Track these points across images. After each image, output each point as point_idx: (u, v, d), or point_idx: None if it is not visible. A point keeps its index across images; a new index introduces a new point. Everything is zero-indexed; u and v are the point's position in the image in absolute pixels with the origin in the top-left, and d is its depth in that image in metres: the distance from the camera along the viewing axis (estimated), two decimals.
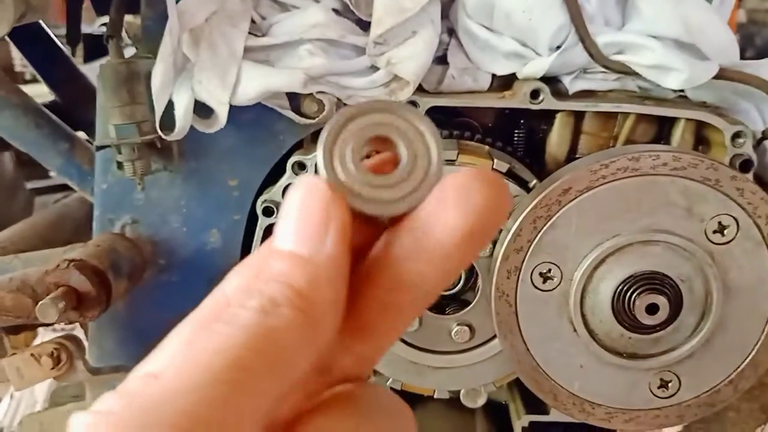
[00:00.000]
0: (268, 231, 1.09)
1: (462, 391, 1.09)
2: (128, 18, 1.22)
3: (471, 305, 1.03)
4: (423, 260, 0.32)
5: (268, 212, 1.06)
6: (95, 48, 1.69)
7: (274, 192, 1.06)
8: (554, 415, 1.09)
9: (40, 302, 0.91)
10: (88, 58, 1.73)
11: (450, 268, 0.32)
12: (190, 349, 0.28)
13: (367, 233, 0.36)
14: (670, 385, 0.94)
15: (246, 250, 1.10)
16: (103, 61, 1.03)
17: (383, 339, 0.34)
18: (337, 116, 0.34)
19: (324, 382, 0.34)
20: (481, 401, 1.09)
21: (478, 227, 0.32)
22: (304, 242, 0.31)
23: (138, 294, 1.11)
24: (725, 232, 0.89)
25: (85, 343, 1.13)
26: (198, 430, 0.26)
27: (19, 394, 1.82)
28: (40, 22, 1.41)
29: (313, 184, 0.32)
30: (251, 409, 0.27)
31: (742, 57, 1.03)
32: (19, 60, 2.76)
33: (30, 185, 1.49)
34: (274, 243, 0.32)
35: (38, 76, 1.63)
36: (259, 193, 1.09)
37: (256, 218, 1.07)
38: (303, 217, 0.32)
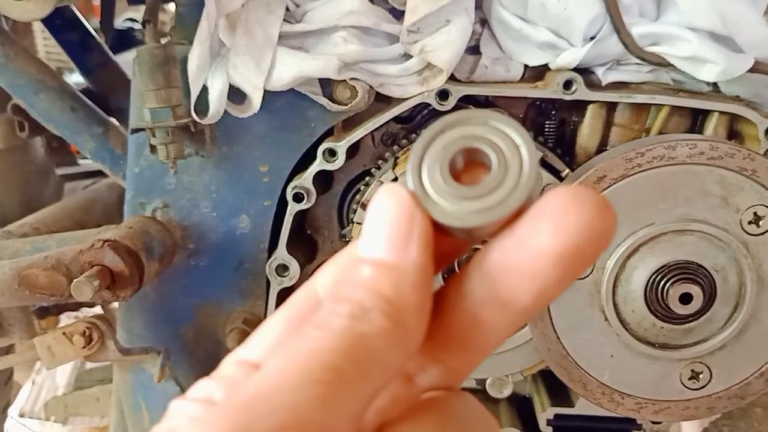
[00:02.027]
0: (298, 217, 1.10)
1: (488, 380, 1.09)
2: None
3: None
4: (514, 280, 0.31)
5: (299, 198, 1.07)
6: (119, 42, 1.71)
7: (304, 178, 1.07)
8: (579, 408, 1.09)
9: (76, 280, 0.92)
10: (112, 51, 1.74)
11: (543, 290, 0.31)
12: (285, 350, 0.29)
13: (462, 245, 0.36)
14: (701, 376, 0.94)
15: (275, 236, 1.11)
16: (127, 53, 1.04)
17: (473, 354, 0.34)
18: (428, 129, 0.34)
19: (412, 389, 0.35)
20: (507, 391, 1.09)
21: (573, 252, 0.30)
22: (388, 250, 0.32)
23: (167, 277, 1.12)
24: (761, 222, 0.88)
25: None
26: (300, 428, 0.26)
27: (41, 380, 1.84)
28: (75, 10, 1.43)
29: (395, 192, 0.33)
30: (346, 411, 0.28)
31: None
32: (43, 54, 2.79)
33: (59, 171, 1.50)
34: (359, 250, 0.33)
35: (62, 69, 1.65)
36: (290, 179, 1.10)
37: (286, 204, 1.08)
38: (387, 225, 0.32)
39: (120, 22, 2.10)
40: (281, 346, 0.30)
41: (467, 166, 0.34)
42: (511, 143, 0.32)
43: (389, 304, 0.30)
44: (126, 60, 1.53)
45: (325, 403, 0.27)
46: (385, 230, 0.32)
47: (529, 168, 0.32)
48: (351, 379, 0.28)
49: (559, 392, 1.13)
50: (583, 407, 1.09)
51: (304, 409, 0.27)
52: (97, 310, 1.54)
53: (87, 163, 1.58)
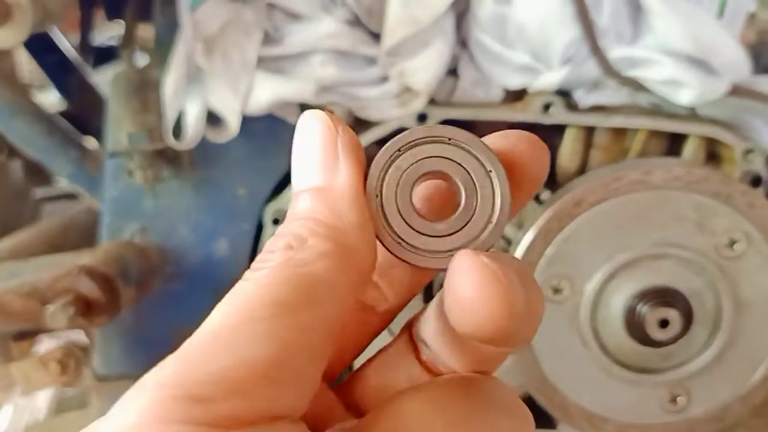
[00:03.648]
0: None
1: None
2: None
3: None
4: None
5: (277, 222, 1.07)
6: (100, 57, 1.70)
7: (282, 201, 1.07)
8: (562, 430, 1.09)
9: (50, 308, 0.91)
10: (93, 66, 1.73)
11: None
12: (223, 301, 0.27)
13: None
14: (679, 399, 0.94)
15: (253, 259, 1.10)
16: (105, 70, 1.04)
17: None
18: (387, 147, 0.30)
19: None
20: None
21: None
22: (317, 175, 0.30)
23: (145, 302, 1.11)
24: (735, 246, 0.89)
25: None
26: (246, 369, 0.24)
27: (23, 403, 1.81)
28: (52, 32, 1.42)
29: (313, 115, 0.31)
30: (301, 344, 0.26)
31: None
32: (27, 72, 2.76)
33: (37, 193, 1.49)
34: (293, 188, 0.31)
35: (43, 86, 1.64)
36: (267, 202, 1.09)
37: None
38: (311, 152, 0.30)
39: (103, 39, 2.09)
40: (221, 301, 0.28)
41: (431, 188, 0.32)
42: (480, 169, 0.29)
43: (326, 226, 0.29)
44: (107, 78, 1.52)
45: (271, 337, 0.25)
46: (309, 157, 0.30)
47: (501, 201, 0.29)
48: (297, 309, 0.26)
49: (541, 415, 1.12)
50: (566, 429, 1.08)
51: (246, 348, 0.25)
52: (79, 332, 1.53)
53: (65, 185, 1.57)
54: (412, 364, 0.32)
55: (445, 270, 0.29)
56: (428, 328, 0.32)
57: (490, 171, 0.29)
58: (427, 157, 0.30)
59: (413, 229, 0.30)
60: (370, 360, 0.34)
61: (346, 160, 0.30)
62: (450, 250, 0.29)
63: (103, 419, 0.25)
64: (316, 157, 0.30)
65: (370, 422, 0.28)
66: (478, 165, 0.29)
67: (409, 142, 0.30)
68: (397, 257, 0.30)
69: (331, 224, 0.29)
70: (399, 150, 0.30)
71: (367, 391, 0.33)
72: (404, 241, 0.30)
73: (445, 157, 0.29)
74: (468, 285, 0.26)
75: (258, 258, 0.29)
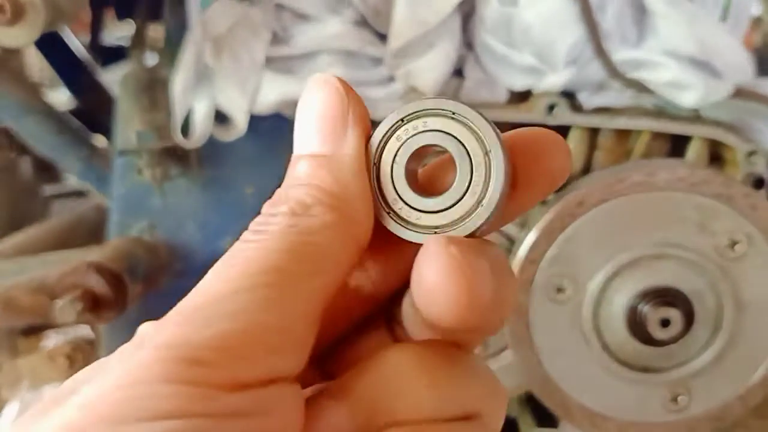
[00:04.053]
0: None
1: None
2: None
3: None
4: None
5: None
6: (110, 55, 1.72)
7: None
8: (563, 428, 1.10)
9: (58, 303, 0.92)
10: (104, 65, 1.75)
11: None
12: (223, 262, 0.27)
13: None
14: (681, 398, 0.95)
15: None
16: (115, 68, 1.05)
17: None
18: (391, 116, 0.29)
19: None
20: None
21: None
22: (324, 141, 0.29)
23: (153, 298, 1.12)
24: (736, 247, 0.90)
25: None
26: (246, 332, 0.24)
27: (29, 399, 1.83)
28: (63, 31, 1.43)
29: (324, 80, 0.30)
30: (299, 311, 0.26)
31: None
32: (37, 71, 2.78)
33: (47, 190, 1.50)
34: (294, 150, 0.30)
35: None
36: None
37: None
38: (320, 117, 0.29)
39: (112, 39, 2.10)
40: (219, 262, 0.27)
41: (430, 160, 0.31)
42: (480, 149, 0.28)
43: (331, 195, 0.28)
44: (116, 77, 1.54)
45: (273, 305, 0.25)
46: (317, 122, 0.29)
47: (494, 188, 0.28)
48: (300, 278, 0.26)
49: (544, 413, 1.13)
50: (568, 428, 1.09)
51: (247, 314, 0.25)
52: (85, 328, 1.54)
53: (74, 183, 1.58)
54: (387, 343, 0.32)
55: None
56: (402, 309, 0.32)
57: (489, 151, 0.28)
58: (427, 130, 0.29)
59: (404, 201, 0.29)
60: (346, 333, 0.34)
61: (355, 130, 0.29)
62: (436, 227, 0.29)
63: (98, 368, 0.25)
64: (325, 124, 0.29)
65: (352, 377, 0.28)
66: (477, 143, 0.28)
67: (412, 113, 0.29)
68: (385, 227, 0.30)
69: (335, 193, 0.28)
70: (402, 120, 0.29)
71: (343, 359, 0.33)
72: (393, 212, 0.29)
73: (446, 132, 0.29)
74: (431, 272, 0.26)
75: (257, 221, 0.29)
